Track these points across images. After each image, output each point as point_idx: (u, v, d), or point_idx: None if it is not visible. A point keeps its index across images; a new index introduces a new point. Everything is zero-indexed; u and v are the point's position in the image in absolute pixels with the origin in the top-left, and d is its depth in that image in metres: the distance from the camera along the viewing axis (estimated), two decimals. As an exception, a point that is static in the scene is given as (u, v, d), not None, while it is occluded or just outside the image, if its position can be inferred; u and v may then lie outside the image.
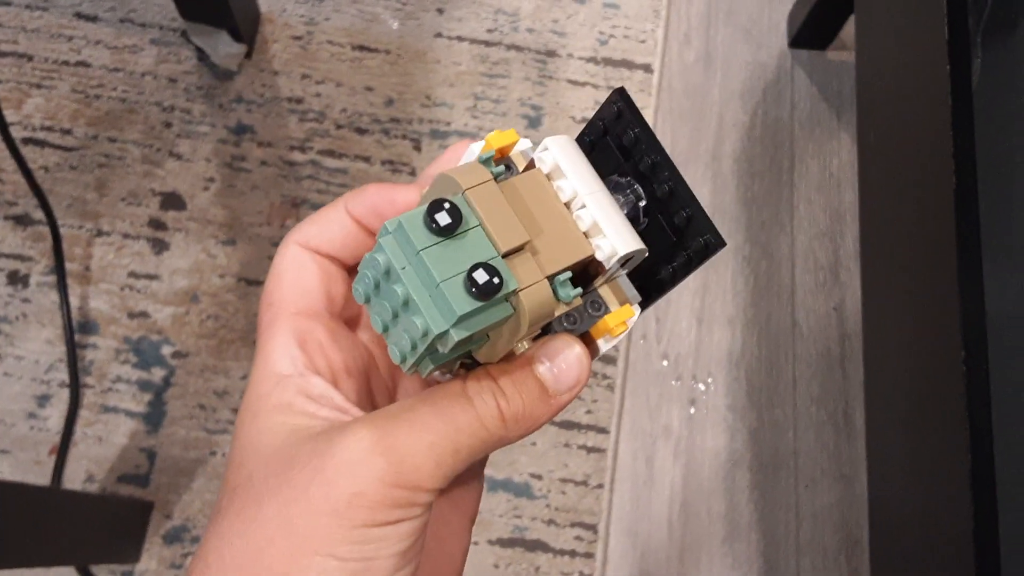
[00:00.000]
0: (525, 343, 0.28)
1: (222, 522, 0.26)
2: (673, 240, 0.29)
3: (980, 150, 0.71)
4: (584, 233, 0.28)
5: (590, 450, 1.01)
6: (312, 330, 0.29)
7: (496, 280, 0.25)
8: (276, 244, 1.06)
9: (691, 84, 1.15)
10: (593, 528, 0.99)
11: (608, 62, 1.14)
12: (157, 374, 1.01)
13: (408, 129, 1.11)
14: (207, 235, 1.06)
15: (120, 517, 0.96)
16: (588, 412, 1.02)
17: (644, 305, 0.30)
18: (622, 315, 0.29)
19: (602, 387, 1.03)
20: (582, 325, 0.29)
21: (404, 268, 0.26)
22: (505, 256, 0.26)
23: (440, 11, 1.16)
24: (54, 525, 0.83)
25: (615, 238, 0.28)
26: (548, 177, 0.29)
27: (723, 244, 0.28)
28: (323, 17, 1.15)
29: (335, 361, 0.30)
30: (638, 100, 1.11)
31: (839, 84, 1.15)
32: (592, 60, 1.14)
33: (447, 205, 0.26)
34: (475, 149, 0.30)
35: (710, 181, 1.11)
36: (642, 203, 0.30)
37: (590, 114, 1.10)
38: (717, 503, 1.00)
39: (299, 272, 0.30)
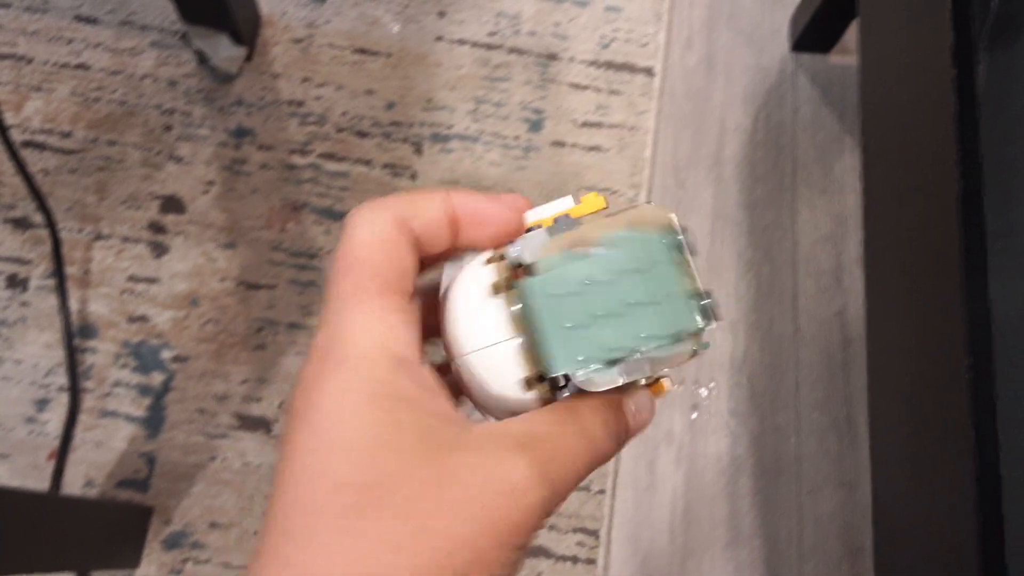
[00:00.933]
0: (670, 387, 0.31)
1: (309, 535, 0.23)
2: None
3: (985, 155, 0.71)
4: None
5: (591, 455, 1.00)
6: (413, 314, 0.27)
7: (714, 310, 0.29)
8: (276, 248, 1.05)
9: (693, 88, 1.14)
10: (595, 534, 0.98)
11: (610, 66, 1.14)
12: (157, 378, 1.01)
13: (409, 133, 1.10)
14: (207, 239, 1.06)
15: (119, 522, 0.96)
16: (589, 417, 1.01)
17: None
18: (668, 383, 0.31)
19: (604, 392, 1.02)
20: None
21: (648, 270, 0.28)
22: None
23: (441, 14, 1.15)
24: (53, 530, 0.83)
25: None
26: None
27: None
28: (324, 20, 1.14)
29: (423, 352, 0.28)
30: (640, 104, 1.11)
31: (842, 88, 1.14)
32: (594, 64, 1.14)
33: (688, 230, 0.29)
34: (559, 205, 0.31)
35: (712, 185, 1.10)
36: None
37: (592, 117, 1.10)
38: (719, 509, 1.00)
39: (396, 249, 0.27)
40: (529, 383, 0.28)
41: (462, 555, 0.23)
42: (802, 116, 1.13)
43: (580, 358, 0.27)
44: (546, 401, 0.28)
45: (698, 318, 0.28)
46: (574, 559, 0.97)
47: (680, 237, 0.29)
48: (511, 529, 0.23)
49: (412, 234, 0.27)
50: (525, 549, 0.24)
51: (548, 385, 0.28)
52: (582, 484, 0.97)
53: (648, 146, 1.11)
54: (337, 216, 1.07)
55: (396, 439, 0.24)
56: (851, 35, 1.14)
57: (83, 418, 1.00)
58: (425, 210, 0.28)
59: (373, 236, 0.27)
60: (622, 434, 0.28)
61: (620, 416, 0.28)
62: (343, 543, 0.22)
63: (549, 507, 0.25)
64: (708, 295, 0.28)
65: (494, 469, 0.24)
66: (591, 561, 0.98)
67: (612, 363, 0.27)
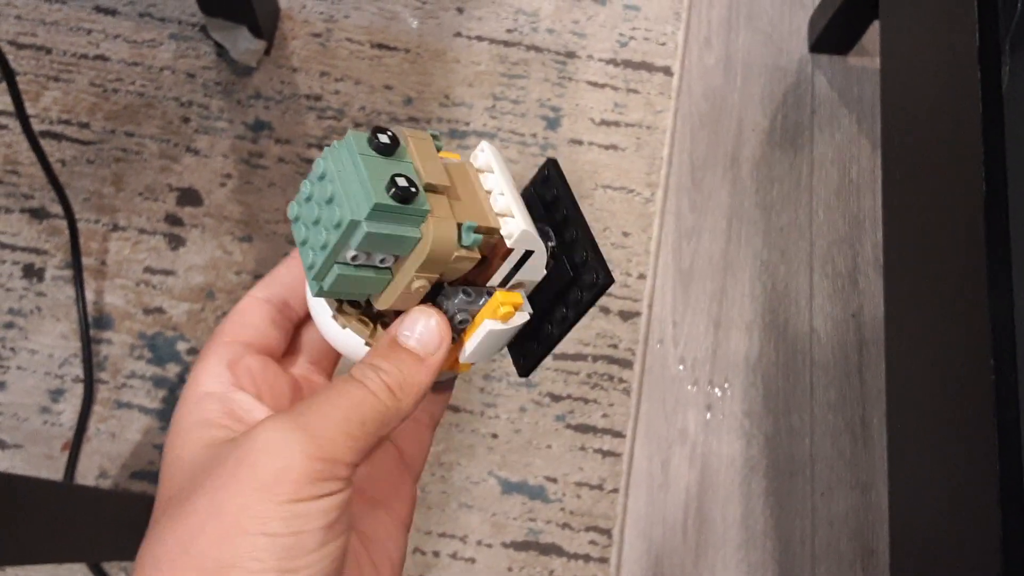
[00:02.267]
0: (418, 284, 0.30)
1: (155, 528, 0.28)
2: (571, 277, 0.33)
3: (1009, 156, 0.71)
4: (497, 213, 0.32)
5: (606, 454, 1.00)
6: (243, 355, 0.32)
7: (413, 189, 0.28)
8: (293, 242, 1.05)
9: (711, 88, 1.14)
10: (608, 532, 0.98)
11: (628, 64, 1.14)
12: (172, 370, 1.01)
13: (427, 129, 1.10)
14: (223, 231, 1.06)
15: (133, 514, 0.96)
16: (604, 416, 1.01)
17: (545, 342, 0.35)
18: (512, 298, 0.32)
19: (618, 391, 1.02)
20: (476, 302, 0.32)
21: (339, 171, 0.29)
22: (426, 190, 0.29)
23: (460, 10, 1.15)
24: (66, 521, 0.83)
25: (521, 221, 0.31)
26: (478, 171, 0.33)
27: (611, 281, 0.33)
28: (342, 15, 1.14)
29: (262, 384, 0.32)
30: (657, 103, 1.11)
31: (859, 90, 1.14)
32: (612, 62, 1.14)
33: (390, 132, 0.30)
34: None
35: (729, 185, 1.10)
36: (551, 243, 0.34)
37: (609, 116, 1.10)
38: (732, 509, 1.00)
39: (244, 312, 0.33)
40: (335, 318, 0.32)
41: (226, 516, 0.26)
42: (820, 117, 1.13)
43: (312, 270, 0.29)
44: (372, 334, 0.32)
45: (366, 206, 0.28)
46: (587, 557, 0.97)
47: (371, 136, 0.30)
48: (276, 477, 0.26)
49: (271, 299, 0.34)
50: (309, 503, 0.26)
51: (347, 314, 0.32)
52: (595, 482, 0.97)
53: (665, 145, 1.11)
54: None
55: (189, 453, 0.29)
56: (869, 37, 1.14)
57: (98, 409, 1.00)
58: (275, 278, 0.34)
59: (234, 310, 0.33)
60: (405, 369, 0.30)
61: (395, 354, 0.30)
62: (152, 546, 0.28)
63: (319, 452, 0.27)
64: (397, 183, 0.28)
65: (255, 434, 0.27)
66: (604, 560, 0.97)
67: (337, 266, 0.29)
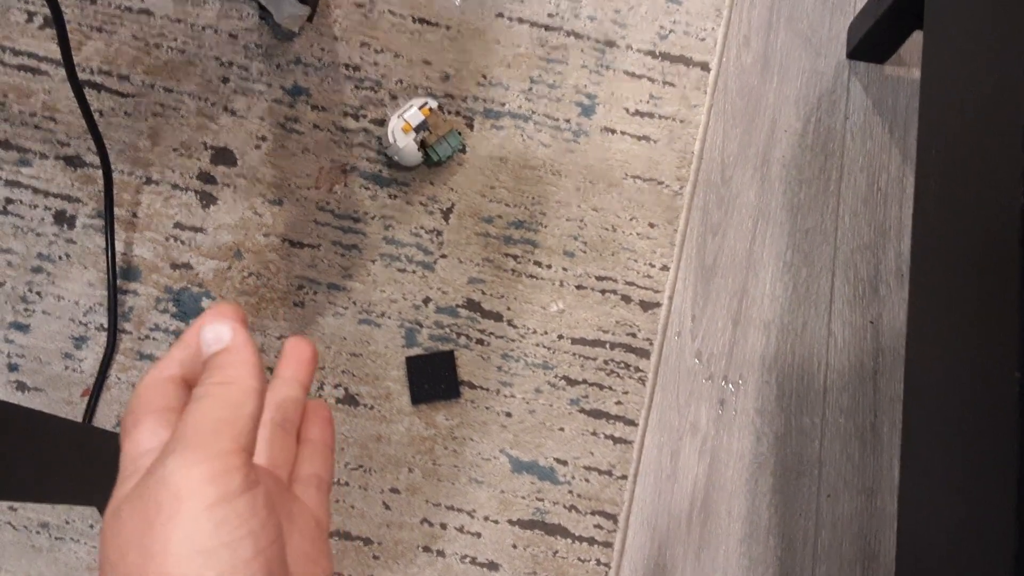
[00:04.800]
0: None
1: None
2: None
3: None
4: None
5: (617, 440, 1.01)
6: (174, 414, 0.33)
7: None
8: (322, 208, 1.06)
9: (746, 86, 1.14)
10: (614, 518, 0.99)
11: (666, 57, 1.14)
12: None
13: (462, 106, 1.11)
14: (255, 193, 1.07)
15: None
16: (618, 403, 1.02)
17: None
18: None
19: (634, 379, 1.03)
20: None
21: None
22: None
23: (503, -9, 1.16)
24: (82, 463, 0.84)
25: None
26: None
27: None
28: (386, -13, 1.15)
29: None
30: (692, 98, 1.11)
31: (894, 99, 1.14)
32: (651, 54, 1.14)
33: None
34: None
35: (757, 184, 1.11)
36: None
37: (644, 107, 1.10)
38: (738, 504, 1.01)
39: (157, 387, 0.34)
40: None
41: (156, 553, 0.27)
42: (852, 123, 1.13)
43: None
44: None
45: None
46: (591, 540, 0.98)
47: None
48: (178, 500, 0.27)
49: (175, 377, 0.35)
50: (226, 504, 0.28)
51: None
52: (604, 468, 0.98)
53: (697, 140, 1.12)
54: (385, 182, 1.08)
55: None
56: (907, 47, 1.14)
57: (119, 359, 1.01)
58: (172, 359, 0.35)
59: (138, 391, 0.34)
60: (222, 361, 0.32)
61: (210, 362, 0.33)
62: None
63: (202, 456, 0.28)
64: None
65: (148, 479, 0.29)
66: (608, 544, 0.99)
67: None
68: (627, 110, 1.12)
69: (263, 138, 1.09)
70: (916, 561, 0.80)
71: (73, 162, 1.06)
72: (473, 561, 0.98)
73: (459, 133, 1.07)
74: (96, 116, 1.07)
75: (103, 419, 1.00)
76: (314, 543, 0.35)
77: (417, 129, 1.04)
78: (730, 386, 1.04)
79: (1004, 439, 0.67)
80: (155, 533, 0.27)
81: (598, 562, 0.98)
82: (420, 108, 1.04)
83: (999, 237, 0.71)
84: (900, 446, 0.84)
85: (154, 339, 1.02)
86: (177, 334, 1.01)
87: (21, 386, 1.01)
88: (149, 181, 1.06)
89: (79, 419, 0.99)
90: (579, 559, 0.98)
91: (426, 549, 0.98)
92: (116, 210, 1.05)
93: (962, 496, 0.74)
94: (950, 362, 0.81)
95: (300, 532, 0.35)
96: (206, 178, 1.07)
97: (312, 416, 0.40)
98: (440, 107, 1.08)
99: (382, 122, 1.10)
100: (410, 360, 1.02)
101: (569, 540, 0.99)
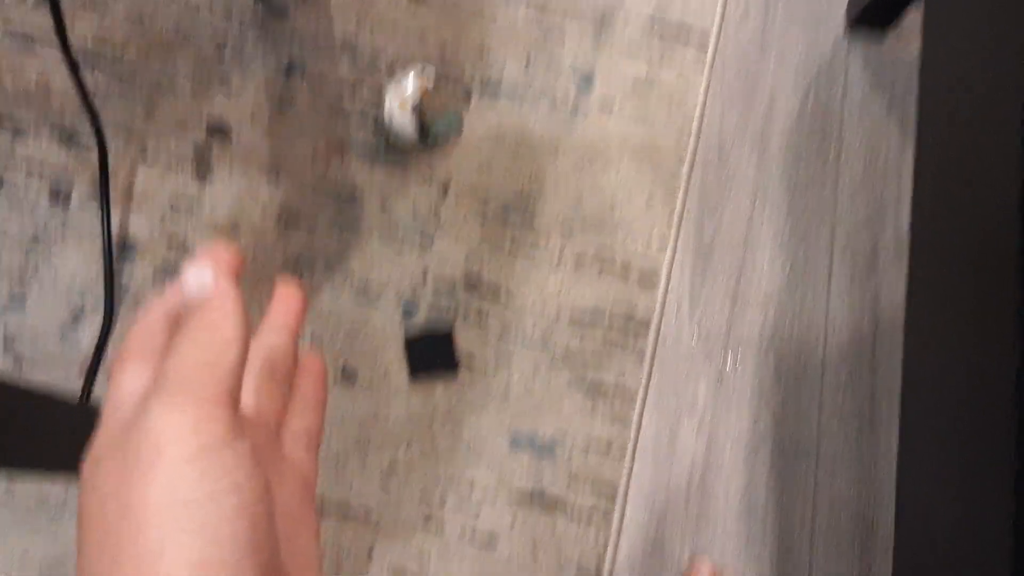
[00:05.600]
0: None
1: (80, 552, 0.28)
2: None
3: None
4: None
5: (615, 418, 1.01)
6: (159, 357, 0.32)
7: None
8: (319, 185, 1.06)
9: (744, 63, 1.14)
10: (612, 494, 0.99)
11: (663, 35, 1.14)
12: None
13: (459, 82, 1.10)
14: (251, 169, 1.06)
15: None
16: (616, 381, 1.02)
17: None
18: None
19: (632, 357, 1.03)
20: None
21: None
22: None
23: (500, -32, 1.15)
24: (81, 438, 0.83)
25: None
26: None
27: None
28: (383, -37, 1.14)
29: None
30: (690, 75, 1.11)
31: (893, 76, 1.14)
32: (648, 31, 1.14)
33: None
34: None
35: (756, 161, 1.10)
36: None
37: (641, 85, 1.10)
38: (736, 481, 1.01)
39: (144, 329, 0.33)
40: None
41: (136, 507, 0.26)
42: (851, 100, 1.13)
43: None
44: None
45: None
46: (590, 516, 0.98)
47: None
48: (160, 450, 0.26)
49: (169, 318, 0.33)
50: (211, 455, 0.27)
51: None
52: (603, 445, 0.98)
53: (695, 118, 1.11)
54: (381, 159, 1.07)
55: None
56: (907, 24, 1.14)
57: (117, 335, 1.01)
58: (175, 295, 0.34)
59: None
60: (207, 305, 0.30)
61: (198, 307, 0.31)
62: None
63: (186, 406, 0.27)
64: None
65: (135, 428, 0.28)
66: (606, 519, 0.99)
67: None
68: (624, 88, 1.11)
69: (258, 114, 1.08)
70: (914, 538, 0.80)
71: (68, 139, 1.05)
72: (472, 535, 0.98)
73: (458, 114, 1.06)
74: (91, 94, 1.07)
75: (101, 395, 1.00)
76: (301, 501, 0.34)
77: (415, 108, 1.03)
78: (728, 364, 1.04)
79: (1001, 420, 0.67)
80: (134, 483, 0.26)
81: (596, 538, 0.98)
82: (417, 86, 1.03)
83: (999, 214, 0.71)
84: (899, 424, 0.85)
85: (150, 316, 1.01)
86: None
87: (18, 362, 1.00)
88: (145, 158, 1.06)
89: (77, 394, 0.98)
90: (577, 534, 0.98)
91: (425, 524, 0.98)
92: (112, 187, 1.04)
93: (960, 474, 0.75)
94: (948, 342, 0.81)
95: (288, 489, 0.34)
96: (202, 155, 1.06)
97: (304, 369, 0.39)
98: (437, 81, 1.07)
99: (378, 99, 1.09)
100: (408, 337, 1.02)
101: (567, 516, 0.99)
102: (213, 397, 0.27)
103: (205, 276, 0.31)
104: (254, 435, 0.32)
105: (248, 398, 0.36)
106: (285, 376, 0.37)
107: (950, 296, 0.85)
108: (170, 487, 0.26)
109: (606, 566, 0.97)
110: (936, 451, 0.82)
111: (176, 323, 0.33)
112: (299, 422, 0.37)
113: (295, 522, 0.33)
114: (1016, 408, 0.69)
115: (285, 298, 0.38)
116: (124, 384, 0.31)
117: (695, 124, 1.11)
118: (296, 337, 0.38)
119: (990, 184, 0.75)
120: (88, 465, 0.28)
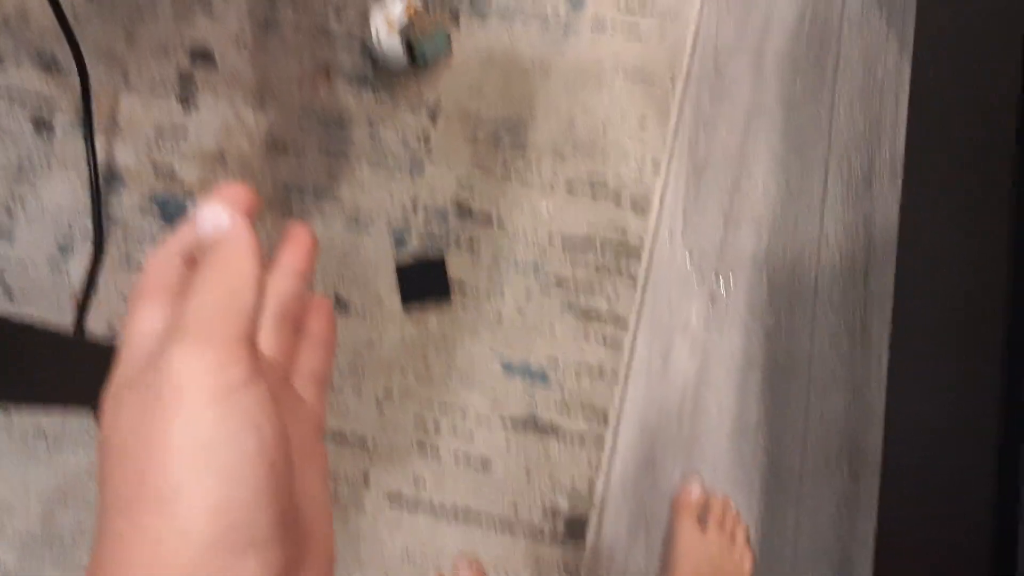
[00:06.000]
0: None
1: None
2: None
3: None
4: None
5: (608, 341, 1.02)
6: (175, 294, 0.32)
7: None
8: (306, 112, 1.04)
9: (741, -24, 1.11)
10: (605, 417, 1.00)
11: (657, -54, 1.10)
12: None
13: (448, 3, 1.07)
14: (237, 97, 1.04)
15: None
16: (609, 304, 1.02)
17: None
18: None
19: (625, 280, 1.03)
20: None
21: None
22: None
23: None
24: (75, 369, 0.84)
25: None
26: None
27: None
28: None
29: None
30: (685, -11, 1.08)
31: (893, -12, 1.11)
32: (641, -57, 1.10)
33: None
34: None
35: (752, 76, 1.08)
36: None
37: (635, 1, 1.07)
38: (728, 402, 1.02)
39: (160, 266, 0.32)
40: None
41: (156, 445, 0.27)
42: (849, 13, 1.10)
43: None
44: None
45: None
46: (583, 439, 1.00)
47: None
48: (182, 391, 0.26)
49: (183, 254, 0.33)
50: (232, 398, 0.27)
51: None
52: (596, 368, 0.98)
53: (690, 33, 1.09)
54: (370, 84, 1.05)
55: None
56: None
57: (107, 266, 1.01)
58: (190, 232, 0.33)
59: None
60: (219, 248, 0.30)
61: (211, 249, 0.31)
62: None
63: (206, 346, 0.27)
64: None
65: (156, 372, 0.28)
66: (599, 443, 1.00)
67: None
68: (618, 5, 1.09)
69: (243, 39, 1.06)
70: (902, 457, 0.81)
71: (49, 66, 1.04)
72: (467, 460, 0.99)
73: (446, 33, 1.04)
74: (70, 19, 1.04)
75: (93, 324, 1.00)
76: (313, 442, 0.34)
77: (402, 30, 1.01)
78: (721, 284, 1.04)
79: (991, 340, 0.67)
80: (155, 424, 0.26)
81: (589, 460, 0.99)
82: (405, 7, 1.01)
83: (994, 130, 0.70)
84: (889, 343, 0.85)
85: (141, 245, 1.01)
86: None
87: (8, 293, 1.00)
88: (128, 86, 1.04)
89: (69, 326, 0.99)
90: (570, 458, 0.99)
91: (420, 448, 0.99)
92: (95, 115, 1.03)
93: (948, 393, 0.75)
94: (941, 261, 0.80)
95: (300, 429, 0.34)
96: (186, 82, 1.04)
97: (314, 312, 0.39)
98: (425, 3, 1.05)
99: (365, 20, 1.06)
100: (400, 265, 1.01)
101: (560, 440, 1.00)
102: (232, 339, 0.27)
103: (221, 216, 0.31)
104: (270, 377, 0.32)
105: (263, 340, 0.36)
106: (296, 318, 0.38)
107: (943, 214, 0.84)
108: (191, 429, 0.26)
109: (599, 488, 0.99)
110: (925, 369, 0.83)
111: (191, 262, 0.32)
112: (309, 363, 0.37)
113: (307, 461, 0.34)
114: (1006, 329, 0.69)
115: (296, 241, 0.38)
116: (141, 322, 0.31)
117: (690, 40, 1.09)
118: (307, 280, 0.38)
119: (986, 99, 0.74)
120: (109, 401, 0.28)
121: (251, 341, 0.28)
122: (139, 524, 0.26)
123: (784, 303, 1.04)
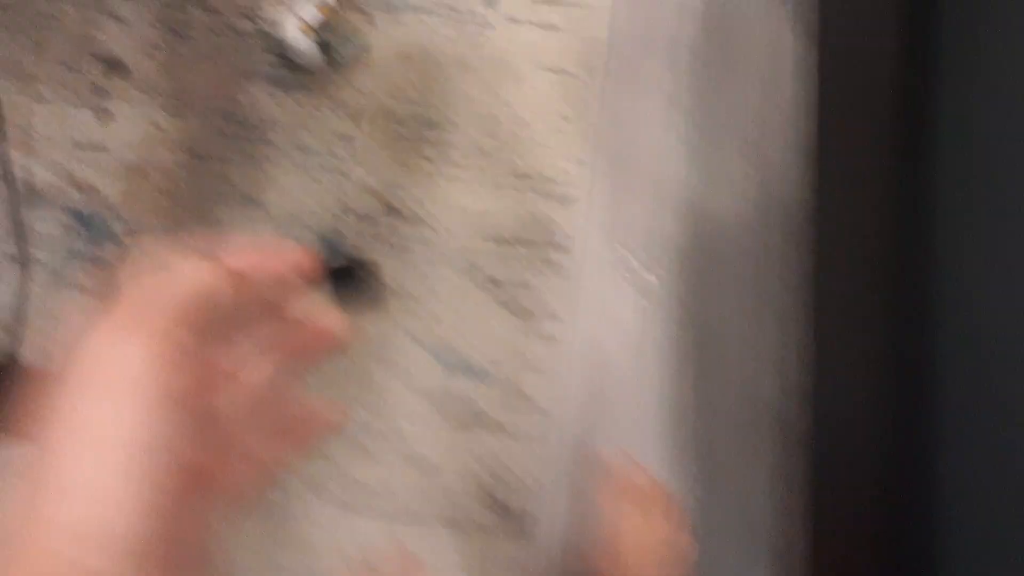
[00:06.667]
0: None
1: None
2: None
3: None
4: None
5: (544, 335, 1.05)
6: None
7: None
8: (227, 118, 1.03)
9: (651, -34, 1.13)
10: (545, 411, 1.03)
11: (570, -61, 1.12)
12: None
13: (362, 1, 1.07)
14: (155, 106, 1.03)
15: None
16: (543, 299, 1.05)
17: None
18: None
19: (556, 273, 1.06)
20: None
21: None
22: None
23: None
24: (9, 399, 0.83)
25: None
26: None
27: None
28: None
29: None
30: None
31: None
32: (553, -64, 1.11)
33: None
34: None
35: (666, 66, 1.11)
36: None
37: (552, -4, 1.08)
38: (663, 386, 1.06)
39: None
40: None
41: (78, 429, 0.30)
42: None
43: None
44: None
45: None
46: (525, 434, 1.03)
47: None
48: (119, 378, 0.30)
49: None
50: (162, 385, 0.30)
51: None
52: (534, 366, 1.01)
53: (605, 24, 1.11)
54: (290, 87, 1.05)
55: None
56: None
57: (36, 289, 0.99)
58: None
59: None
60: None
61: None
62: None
63: (153, 337, 0.30)
64: None
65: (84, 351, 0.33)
66: (541, 435, 1.03)
67: None
68: (534, -3, 1.10)
69: (156, 46, 1.04)
70: (830, 429, 0.87)
71: (-46, 84, 1.00)
72: (409, 460, 1.01)
73: (360, 32, 1.04)
74: (-28, 31, 1.01)
75: (29, 353, 0.99)
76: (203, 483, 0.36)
77: (317, 29, 1.00)
78: (649, 273, 1.08)
79: (904, 306, 0.72)
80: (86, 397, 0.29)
81: (532, 455, 1.03)
82: (318, 6, 1.00)
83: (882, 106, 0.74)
84: (808, 317, 0.90)
85: (70, 265, 0.99)
86: (93, 259, 0.99)
87: (-68, 323, 0.98)
88: (41, 99, 1.01)
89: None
90: (514, 452, 1.03)
91: (363, 452, 1.01)
92: (9, 132, 1.00)
93: (869, 362, 0.80)
94: (853, 229, 0.85)
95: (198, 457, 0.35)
96: (101, 93, 1.02)
97: (308, 417, 0.40)
98: (339, 1, 1.04)
99: (279, 22, 1.05)
100: (332, 271, 1.02)
101: (503, 435, 1.03)
102: (153, 330, 0.31)
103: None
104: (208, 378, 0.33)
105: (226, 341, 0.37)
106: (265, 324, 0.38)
107: (854, 192, 0.89)
108: (120, 415, 0.29)
109: (543, 481, 1.02)
110: (844, 343, 0.88)
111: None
112: (265, 372, 0.38)
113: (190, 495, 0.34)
114: (920, 299, 0.74)
115: (285, 251, 0.38)
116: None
117: (605, 32, 1.11)
118: (280, 281, 0.39)
119: (877, 77, 0.78)
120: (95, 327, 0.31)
121: (169, 335, 0.31)
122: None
123: (710, 288, 1.08)
